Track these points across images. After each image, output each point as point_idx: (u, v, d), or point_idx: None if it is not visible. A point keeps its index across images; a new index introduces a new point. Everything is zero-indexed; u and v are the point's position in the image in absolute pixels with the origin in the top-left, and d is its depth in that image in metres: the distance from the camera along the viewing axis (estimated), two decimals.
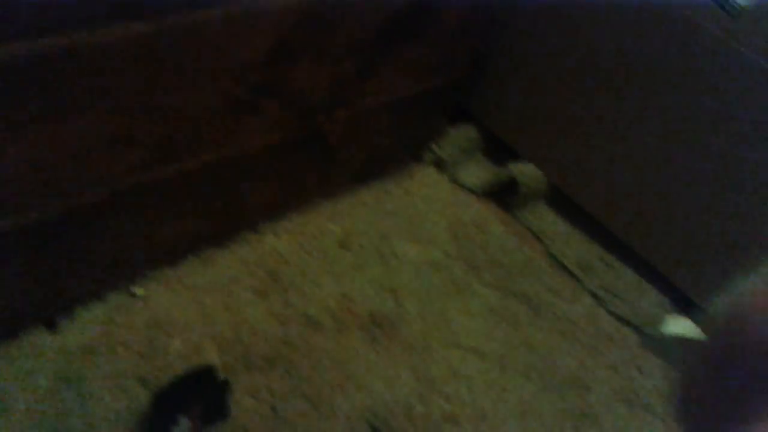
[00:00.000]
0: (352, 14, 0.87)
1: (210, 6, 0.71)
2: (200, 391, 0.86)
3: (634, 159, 1.13)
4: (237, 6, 0.73)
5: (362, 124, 1.06)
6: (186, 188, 0.88)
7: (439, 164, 1.30)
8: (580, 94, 1.16)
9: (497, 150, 1.32)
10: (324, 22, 0.84)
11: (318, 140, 1.00)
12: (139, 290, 0.97)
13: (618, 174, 1.17)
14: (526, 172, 1.25)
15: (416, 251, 1.17)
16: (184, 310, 0.97)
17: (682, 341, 1.13)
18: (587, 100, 1.15)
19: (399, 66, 1.01)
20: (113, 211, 0.82)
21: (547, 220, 1.28)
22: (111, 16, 0.63)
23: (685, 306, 1.17)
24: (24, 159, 0.67)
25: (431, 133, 1.28)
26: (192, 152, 0.83)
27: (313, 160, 1.05)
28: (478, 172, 1.31)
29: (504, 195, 1.28)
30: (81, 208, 0.77)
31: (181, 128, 0.79)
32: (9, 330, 0.88)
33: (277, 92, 0.85)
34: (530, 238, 1.26)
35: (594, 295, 1.19)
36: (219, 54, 0.75)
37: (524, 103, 1.25)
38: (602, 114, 1.14)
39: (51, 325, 0.91)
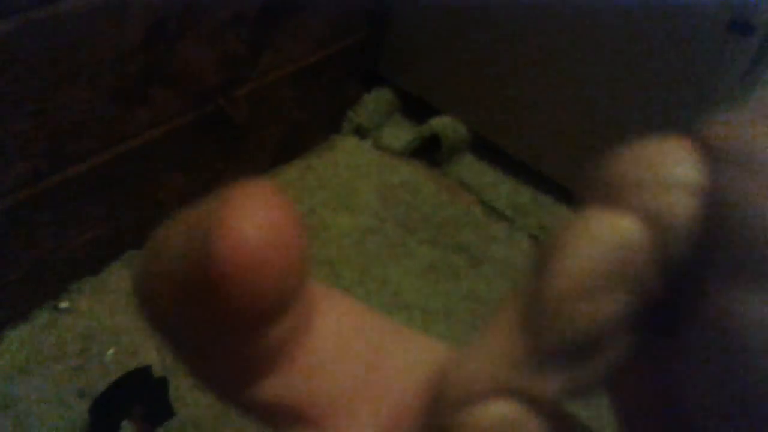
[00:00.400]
0: None
1: None
2: (138, 393, 0.85)
3: (552, 97, 1.13)
4: None
5: (268, 101, 1.05)
6: (89, 192, 0.86)
7: (360, 131, 1.29)
8: (490, 38, 1.15)
9: (417, 108, 1.31)
10: None
11: (224, 124, 0.99)
12: (64, 304, 0.94)
13: (537, 113, 1.17)
14: (446, 125, 1.25)
15: (348, 221, 1.16)
16: (114, 315, 0.95)
17: None
18: (498, 43, 1.15)
19: (292, 34, 0.99)
20: (15, 227, 0.79)
21: (475, 170, 1.28)
22: None
23: None
24: None
25: (346, 101, 1.26)
26: (86, 154, 0.81)
27: (224, 145, 1.03)
28: (399, 134, 1.30)
29: (429, 152, 1.28)
30: None
31: (67, 130, 0.77)
32: None
33: (163, 78, 0.83)
34: (461, 191, 1.26)
35: (531, 236, 1.19)
36: (90, 46, 0.73)
37: (434, 56, 1.24)
38: (515, 55, 1.14)
39: None
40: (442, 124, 1.25)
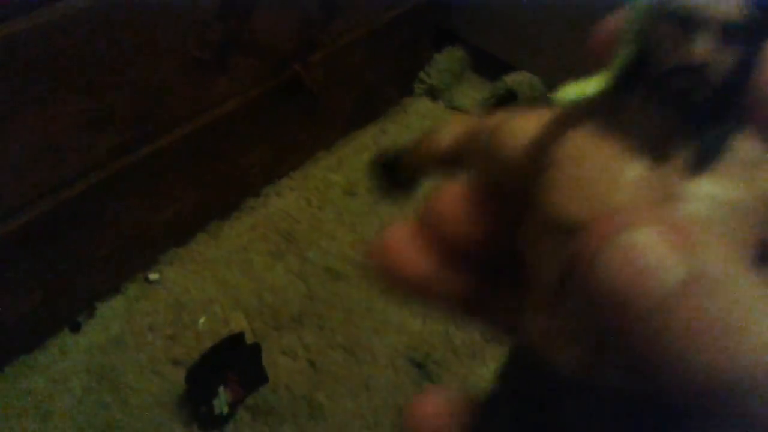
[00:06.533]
0: None
1: None
2: (233, 359, 0.86)
3: None
4: None
5: (342, 65, 1.03)
6: (175, 164, 0.87)
7: (432, 92, 1.26)
8: None
9: (489, 66, 1.28)
10: None
11: (299, 90, 0.98)
12: (154, 275, 0.96)
13: None
14: (522, 81, 1.21)
15: (426, 183, 1.14)
16: (203, 285, 0.97)
17: None
18: None
19: None
20: (105, 199, 0.81)
21: None
22: None
23: None
24: None
25: (417, 61, 1.24)
26: (171, 125, 0.81)
27: (299, 112, 1.02)
28: (473, 93, 1.27)
29: (505, 110, 1.24)
30: (69, 202, 0.76)
31: (152, 102, 0.77)
32: (34, 339, 0.88)
33: (241, 47, 0.82)
34: None
35: None
36: (169, 16, 0.72)
37: (505, 9, 1.20)
38: (591, 2, 1.09)
39: (75, 327, 0.91)
40: (518, 80, 1.21)
